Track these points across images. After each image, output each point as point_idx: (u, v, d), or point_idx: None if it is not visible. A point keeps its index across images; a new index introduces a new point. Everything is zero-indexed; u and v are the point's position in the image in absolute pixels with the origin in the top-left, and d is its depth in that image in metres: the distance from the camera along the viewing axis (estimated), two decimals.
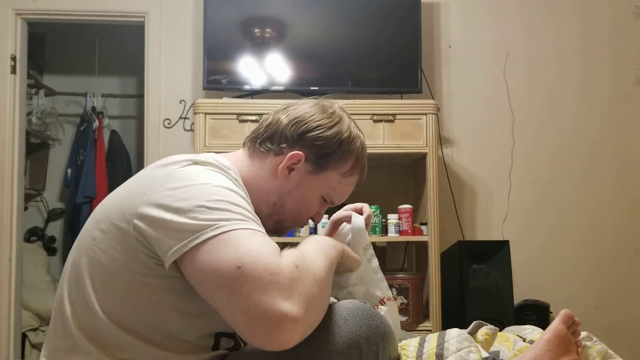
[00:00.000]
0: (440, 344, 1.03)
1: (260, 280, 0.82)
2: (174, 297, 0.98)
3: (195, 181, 0.97)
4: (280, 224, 1.20)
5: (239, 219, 0.92)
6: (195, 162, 1.04)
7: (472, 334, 1.16)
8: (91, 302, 0.99)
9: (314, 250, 0.98)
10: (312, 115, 1.17)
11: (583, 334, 1.28)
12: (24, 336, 3.38)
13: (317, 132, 1.15)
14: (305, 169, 1.15)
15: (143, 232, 0.94)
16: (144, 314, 0.98)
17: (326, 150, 1.15)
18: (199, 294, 0.91)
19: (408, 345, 1.07)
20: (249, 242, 0.88)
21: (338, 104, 1.23)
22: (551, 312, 2.76)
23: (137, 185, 1.02)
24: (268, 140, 1.17)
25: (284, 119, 1.17)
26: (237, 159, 1.18)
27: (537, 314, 2.76)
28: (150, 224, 0.94)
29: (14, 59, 3.06)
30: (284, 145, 1.15)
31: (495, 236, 3.06)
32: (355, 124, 1.23)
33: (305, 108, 1.18)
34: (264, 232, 0.95)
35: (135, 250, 0.96)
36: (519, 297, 2.84)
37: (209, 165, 1.05)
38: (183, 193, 0.94)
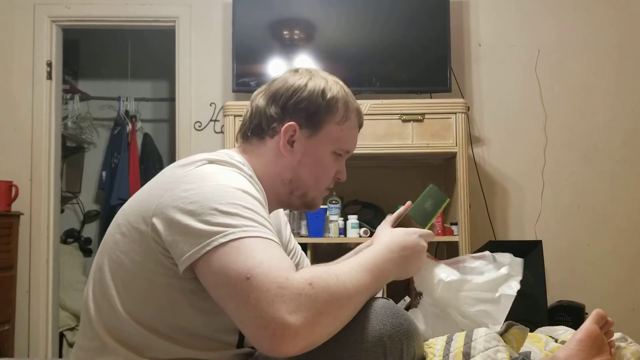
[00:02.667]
0: (468, 343, 1.02)
1: (268, 292, 0.84)
2: (192, 296, 0.99)
3: (209, 182, 0.98)
4: (306, 197, 1.20)
5: (250, 225, 0.92)
6: (211, 161, 1.05)
7: (502, 334, 1.14)
8: (115, 303, 1.01)
9: (350, 266, 0.96)
10: (284, 84, 1.17)
11: (617, 334, 1.25)
12: (61, 335, 3.46)
13: (296, 96, 1.15)
14: (304, 135, 1.15)
15: (159, 234, 0.96)
16: (165, 313, 1.00)
17: (312, 108, 1.14)
18: (211, 296, 0.93)
19: (435, 344, 1.06)
20: (260, 253, 0.89)
21: (305, 67, 1.23)
22: (586, 313, 2.71)
23: (155, 187, 1.04)
24: (258, 128, 1.18)
25: (262, 101, 1.18)
26: (244, 153, 1.19)
27: (572, 315, 2.71)
28: (165, 226, 0.95)
29: (49, 64, 3.14)
30: (274, 124, 1.16)
31: (528, 236, 3.01)
32: (327, 74, 1.22)
33: (275, 84, 1.19)
34: (277, 240, 0.95)
35: (154, 252, 0.97)
36: (553, 298, 2.80)
37: (223, 163, 1.06)
38: (196, 195, 0.95)
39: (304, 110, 1.15)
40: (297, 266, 1.41)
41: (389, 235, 1.11)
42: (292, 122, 1.14)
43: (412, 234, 1.12)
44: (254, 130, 1.18)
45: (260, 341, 0.84)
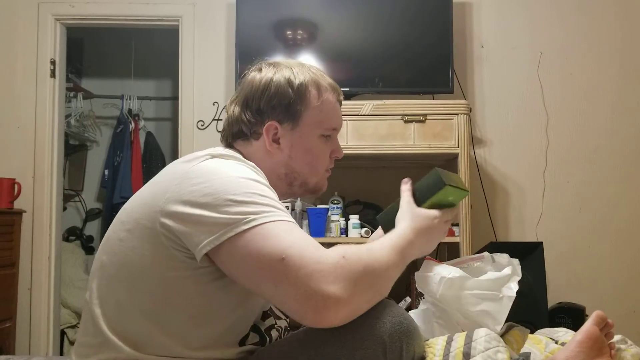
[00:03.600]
0: (468, 343, 1.02)
1: (306, 268, 0.87)
2: (205, 287, 1.00)
3: (218, 175, 0.99)
4: (307, 185, 1.21)
5: (270, 210, 0.94)
6: (214, 156, 1.06)
7: (503, 335, 1.15)
8: (120, 300, 1.02)
9: (379, 243, 1.00)
10: (251, 87, 1.18)
11: (617, 337, 1.25)
12: (62, 333, 3.46)
13: (266, 95, 1.15)
14: (287, 130, 1.16)
15: (171, 228, 0.96)
16: (173, 309, 1.00)
17: (285, 100, 1.15)
18: (241, 283, 0.95)
19: (435, 344, 1.06)
20: (288, 236, 0.91)
21: (268, 60, 1.23)
22: (587, 315, 2.71)
23: (159, 184, 1.04)
24: (240, 133, 1.19)
25: (237, 109, 1.19)
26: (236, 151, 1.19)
27: (572, 316, 2.71)
28: (178, 220, 0.96)
29: (53, 63, 3.15)
30: (255, 128, 1.17)
31: (529, 237, 3.02)
32: (292, 62, 1.22)
33: (244, 89, 1.19)
34: (295, 221, 0.97)
35: (165, 247, 0.98)
36: (553, 299, 2.80)
37: (226, 157, 1.07)
38: (207, 188, 0.96)
39: (277, 107, 1.15)
40: None
41: (414, 220, 1.11)
42: (271, 121, 1.15)
43: (434, 218, 1.12)
44: (236, 135, 1.20)
45: (305, 315, 0.88)
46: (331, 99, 1.20)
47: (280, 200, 1.26)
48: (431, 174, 1.18)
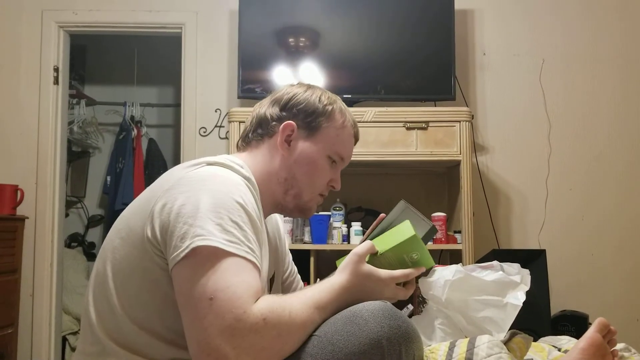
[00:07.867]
0: (470, 349, 1.02)
1: (223, 321, 0.87)
2: None
3: (204, 186, 1.00)
4: (300, 198, 1.23)
5: (231, 240, 0.94)
6: (209, 164, 1.09)
7: (506, 342, 1.14)
8: (115, 306, 1.02)
9: (304, 301, 0.97)
10: (285, 90, 1.26)
11: (621, 345, 1.25)
12: (64, 340, 3.46)
13: (295, 98, 1.22)
14: (301, 136, 1.21)
15: (155, 236, 0.98)
16: (163, 315, 1.01)
17: (310, 109, 1.21)
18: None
19: (437, 349, 1.06)
20: (230, 276, 0.91)
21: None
22: (590, 323, 2.69)
23: (154, 190, 1.06)
24: (258, 129, 1.25)
25: (263, 108, 1.26)
26: (243, 157, 1.23)
27: (575, 324, 2.70)
28: (158, 228, 0.98)
29: (56, 70, 3.16)
30: (274, 123, 1.22)
31: (532, 245, 3.01)
32: (325, 90, 1.30)
33: (276, 92, 1.28)
34: (253, 258, 0.96)
35: (150, 254, 0.99)
36: (556, 307, 2.79)
37: (223, 165, 1.09)
38: (189, 198, 0.98)
39: (302, 112, 1.22)
40: (291, 285, 1.43)
41: (355, 275, 1.05)
42: (291, 121, 1.20)
43: (378, 281, 1.06)
44: (254, 132, 1.24)
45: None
46: (350, 131, 1.26)
47: (274, 212, 1.27)
48: (402, 221, 1.16)
